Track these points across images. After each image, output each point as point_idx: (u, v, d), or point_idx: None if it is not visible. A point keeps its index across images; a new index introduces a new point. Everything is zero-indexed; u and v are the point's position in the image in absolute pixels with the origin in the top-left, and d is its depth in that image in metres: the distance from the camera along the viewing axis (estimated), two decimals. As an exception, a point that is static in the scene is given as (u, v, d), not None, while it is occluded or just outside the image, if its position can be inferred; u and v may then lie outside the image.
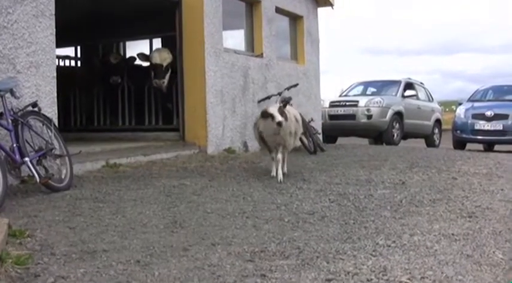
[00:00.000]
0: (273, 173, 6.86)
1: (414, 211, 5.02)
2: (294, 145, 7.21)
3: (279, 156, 6.77)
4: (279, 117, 6.36)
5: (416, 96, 15.21)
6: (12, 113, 5.68)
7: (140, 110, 10.70)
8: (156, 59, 9.75)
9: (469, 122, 13.11)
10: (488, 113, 12.89)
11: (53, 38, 6.57)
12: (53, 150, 6.03)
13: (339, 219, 4.68)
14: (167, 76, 9.75)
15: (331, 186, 6.29)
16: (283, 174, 6.83)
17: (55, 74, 6.60)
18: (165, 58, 9.70)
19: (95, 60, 11.75)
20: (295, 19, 12.14)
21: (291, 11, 11.77)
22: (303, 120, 10.06)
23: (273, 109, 6.53)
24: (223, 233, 4.19)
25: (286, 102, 7.06)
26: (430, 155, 9.75)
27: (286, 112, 6.62)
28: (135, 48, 12.59)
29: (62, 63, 12.42)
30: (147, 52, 10.99)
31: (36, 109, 6.02)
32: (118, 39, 12.75)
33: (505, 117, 12.77)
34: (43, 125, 6.12)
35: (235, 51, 10.10)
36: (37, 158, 5.78)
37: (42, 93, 6.40)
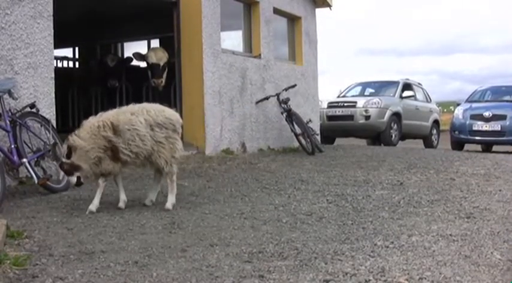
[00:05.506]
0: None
1: (412, 212, 5.02)
2: (113, 171, 5.13)
3: (100, 182, 5.11)
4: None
5: (414, 97, 15.21)
6: (10, 114, 5.68)
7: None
8: (153, 58, 9.78)
9: (467, 122, 13.10)
10: (487, 114, 12.89)
11: (51, 39, 6.57)
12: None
13: (337, 220, 4.68)
14: (164, 75, 9.78)
15: (329, 187, 6.29)
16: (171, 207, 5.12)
17: (53, 75, 6.60)
18: (161, 57, 9.73)
19: (92, 62, 11.75)
20: (293, 20, 12.14)
21: (289, 12, 11.77)
22: (299, 115, 10.02)
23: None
24: (221, 234, 4.19)
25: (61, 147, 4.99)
26: (428, 156, 9.75)
27: (76, 149, 5.00)
28: (133, 49, 12.59)
29: (60, 64, 12.44)
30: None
31: (34, 110, 6.02)
32: (116, 40, 12.75)
33: (503, 117, 12.76)
34: (41, 125, 6.12)
35: (233, 52, 10.10)
36: (35, 159, 5.79)
37: (40, 94, 6.40)
